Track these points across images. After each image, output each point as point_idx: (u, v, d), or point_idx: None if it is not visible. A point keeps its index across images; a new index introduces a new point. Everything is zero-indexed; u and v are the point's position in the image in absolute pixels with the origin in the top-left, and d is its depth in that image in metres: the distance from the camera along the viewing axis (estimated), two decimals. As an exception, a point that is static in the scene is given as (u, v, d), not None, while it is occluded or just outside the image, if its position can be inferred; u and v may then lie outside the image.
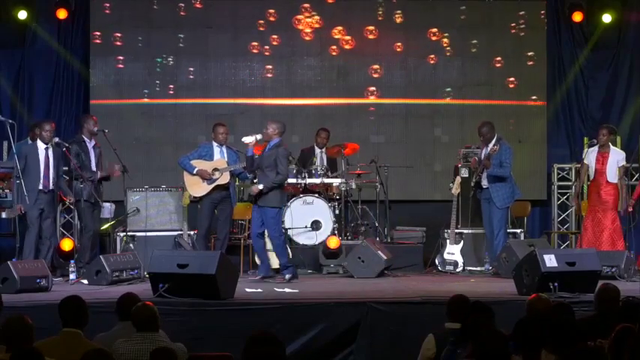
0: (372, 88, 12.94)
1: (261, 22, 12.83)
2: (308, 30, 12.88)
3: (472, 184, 10.66)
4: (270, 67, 12.86)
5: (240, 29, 12.85)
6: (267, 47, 12.85)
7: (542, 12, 13.02)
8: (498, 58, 13.00)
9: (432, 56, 12.97)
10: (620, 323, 5.02)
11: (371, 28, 12.90)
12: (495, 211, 10.44)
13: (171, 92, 12.79)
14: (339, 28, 12.89)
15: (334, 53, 12.90)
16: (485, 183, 10.48)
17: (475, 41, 12.96)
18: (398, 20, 12.94)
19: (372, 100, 12.95)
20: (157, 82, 12.80)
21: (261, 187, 9.54)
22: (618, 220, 10.41)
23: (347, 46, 12.90)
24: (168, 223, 11.07)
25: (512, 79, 13.01)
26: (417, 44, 13.00)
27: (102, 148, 10.35)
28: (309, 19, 12.88)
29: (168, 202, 11.12)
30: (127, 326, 5.61)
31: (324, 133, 11.79)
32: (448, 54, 12.98)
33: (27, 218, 9.78)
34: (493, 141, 10.46)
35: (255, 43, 12.82)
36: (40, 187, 9.85)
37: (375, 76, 12.95)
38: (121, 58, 12.71)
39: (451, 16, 12.98)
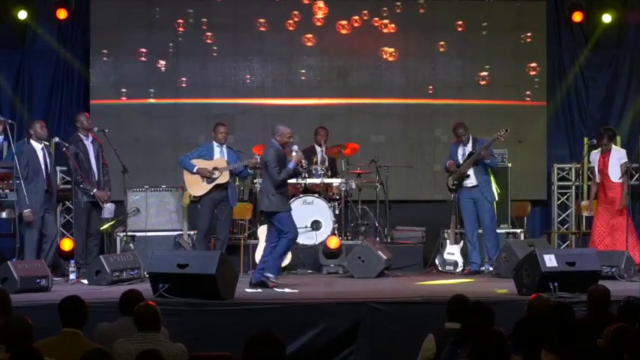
0: (391, 49, 12.91)
1: (262, 21, 12.82)
2: (319, 15, 12.84)
3: (451, 186, 10.62)
4: (310, 35, 12.85)
5: (241, 29, 12.85)
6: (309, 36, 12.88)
7: (543, 12, 13.02)
8: (498, 59, 13.00)
9: (432, 56, 12.97)
10: (614, 323, 5.03)
11: (371, 28, 12.89)
12: (488, 207, 10.47)
13: (172, 92, 12.79)
14: (339, 26, 12.90)
15: (334, 53, 12.93)
16: (473, 182, 10.48)
17: (475, 41, 12.96)
18: (398, 20, 12.92)
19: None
20: (157, 82, 12.79)
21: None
22: (630, 218, 10.43)
23: (343, 31, 12.84)
24: (168, 223, 11.08)
25: (511, 78, 13.01)
26: (417, 44, 13.00)
27: (102, 144, 10.36)
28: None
29: (168, 202, 11.13)
30: (128, 321, 5.62)
31: (323, 130, 11.78)
32: (448, 54, 12.97)
33: (31, 220, 9.77)
34: (470, 141, 10.49)
35: (309, 35, 12.81)
36: (45, 187, 9.89)
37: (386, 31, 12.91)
38: (122, 57, 12.73)
39: (451, 16, 12.97)
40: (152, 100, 12.80)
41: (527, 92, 13.02)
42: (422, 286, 9.41)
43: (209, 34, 12.79)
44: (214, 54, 12.84)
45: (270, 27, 12.83)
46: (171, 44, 12.77)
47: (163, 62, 12.77)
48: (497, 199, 10.64)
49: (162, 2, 12.83)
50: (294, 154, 9.22)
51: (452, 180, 10.61)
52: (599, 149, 10.54)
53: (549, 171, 12.95)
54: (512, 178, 11.64)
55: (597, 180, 10.61)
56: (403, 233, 11.88)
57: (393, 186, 11.95)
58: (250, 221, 11.27)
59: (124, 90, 12.74)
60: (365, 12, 12.89)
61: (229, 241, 10.65)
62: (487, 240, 10.52)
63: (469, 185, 10.52)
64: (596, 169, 10.57)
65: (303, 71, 12.95)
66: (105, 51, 12.68)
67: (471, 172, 10.47)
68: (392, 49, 12.89)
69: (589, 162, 11.06)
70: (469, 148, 10.53)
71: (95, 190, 10.02)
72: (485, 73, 12.95)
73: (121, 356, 5.12)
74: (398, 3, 12.89)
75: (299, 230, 10.90)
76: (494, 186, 10.59)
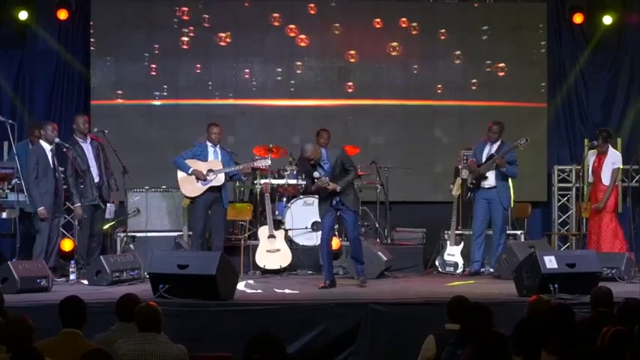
0: (395, 44, 12.93)
1: (276, 15, 12.79)
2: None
3: (469, 184, 10.64)
4: (299, 63, 12.88)
5: (241, 30, 12.85)
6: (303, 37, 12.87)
7: (543, 13, 13.02)
8: (499, 60, 13.00)
9: (433, 57, 12.98)
10: (613, 325, 5.03)
11: (371, 29, 12.90)
12: (501, 212, 10.46)
13: (172, 93, 12.79)
14: (339, 27, 12.90)
15: (336, 57, 12.94)
16: (491, 183, 10.48)
17: (475, 42, 12.97)
18: (398, 21, 12.93)
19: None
20: (158, 82, 12.79)
21: (339, 188, 9.17)
22: (616, 220, 10.44)
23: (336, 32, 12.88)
24: (168, 224, 11.09)
25: (512, 80, 13.02)
26: (418, 45, 13.00)
27: (102, 143, 10.36)
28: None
29: (168, 202, 11.15)
30: (124, 327, 5.61)
31: (325, 133, 11.73)
32: (448, 55, 12.98)
33: (40, 220, 9.77)
34: (498, 142, 10.50)
35: (303, 35, 12.83)
36: (53, 188, 9.90)
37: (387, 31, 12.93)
38: (122, 59, 12.75)
39: (451, 17, 12.98)
40: (152, 101, 12.80)
41: (528, 94, 13.02)
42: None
43: (209, 34, 12.79)
44: (214, 55, 12.84)
45: (279, 23, 12.80)
46: (171, 45, 12.76)
47: (164, 63, 12.76)
48: (512, 205, 10.64)
49: (162, 3, 12.84)
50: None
51: (470, 178, 10.63)
52: (596, 150, 10.57)
53: (550, 172, 12.95)
54: (512, 179, 11.62)
55: (590, 180, 10.63)
56: (403, 234, 11.89)
57: (393, 187, 11.95)
58: (251, 222, 11.27)
59: (124, 91, 12.74)
60: (366, 13, 12.91)
61: (230, 241, 10.65)
62: (496, 244, 10.50)
63: (486, 186, 10.52)
64: (591, 170, 10.59)
65: (304, 72, 12.95)
66: (105, 51, 12.69)
67: (490, 174, 10.47)
68: (396, 44, 12.90)
69: (587, 163, 11.06)
70: (494, 149, 10.53)
71: (77, 206, 10.03)
72: (502, 64, 12.95)
73: (122, 357, 5.12)
74: (399, 13, 12.88)
75: (299, 231, 11.02)
76: (511, 192, 10.57)
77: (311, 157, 9.08)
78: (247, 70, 12.88)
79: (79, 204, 10.07)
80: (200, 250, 10.03)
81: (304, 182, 11.22)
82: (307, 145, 9.21)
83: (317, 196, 11.06)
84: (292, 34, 12.84)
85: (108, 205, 10.21)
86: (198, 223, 10.29)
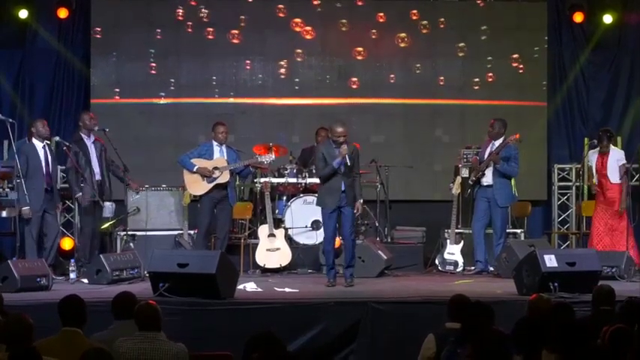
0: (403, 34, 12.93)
1: (281, 6, 12.79)
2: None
3: (470, 182, 10.66)
4: (300, 50, 12.88)
5: (242, 28, 12.83)
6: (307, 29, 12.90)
7: (543, 12, 13.02)
8: (499, 59, 13.00)
9: (433, 56, 12.98)
10: (614, 324, 5.03)
11: (371, 27, 12.90)
12: (498, 211, 10.44)
13: (172, 92, 12.79)
14: (341, 25, 12.90)
15: (335, 55, 12.94)
16: (488, 180, 10.48)
17: (476, 41, 12.97)
18: (398, 20, 12.92)
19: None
20: (158, 81, 12.78)
21: (361, 201, 9.49)
22: (627, 218, 10.47)
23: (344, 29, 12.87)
24: (168, 223, 11.08)
25: (511, 79, 13.02)
26: (418, 44, 12.99)
27: (105, 145, 10.36)
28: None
29: (168, 201, 11.14)
30: (122, 325, 5.61)
31: (324, 132, 11.71)
32: (449, 54, 12.97)
33: (29, 218, 9.78)
34: (500, 139, 10.50)
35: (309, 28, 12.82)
36: (44, 186, 9.89)
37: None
38: (122, 57, 12.75)
39: (452, 16, 12.97)
40: (153, 100, 12.80)
41: (528, 92, 13.02)
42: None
43: (210, 33, 12.78)
44: (215, 53, 12.84)
45: (284, 14, 12.80)
46: (172, 43, 12.76)
47: (164, 61, 12.76)
48: (511, 203, 10.62)
49: (162, 2, 12.83)
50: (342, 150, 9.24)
51: (472, 175, 10.65)
52: (597, 149, 10.58)
53: (550, 171, 12.95)
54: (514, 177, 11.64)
55: (595, 180, 10.63)
56: (403, 233, 11.89)
57: (393, 186, 11.95)
58: (251, 221, 11.27)
59: (124, 89, 12.73)
60: (368, 12, 12.91)
61: (230, 240, 10.65)
62: (495, 243, 10.49)
63: (484, 184, 10.53)
64: (594, 169, 10.61)
65: (305, 71, 12.95)
66: (105, 50, 12.69)
67: (488, 171, 10.48)
68: (404, 34, 12.89)
69: (588, 162, 11.07)
70: (496, 146, 10.55)
71: (78, 195, 10.03)
72: (516, 55, 12.95)
73: (122, 355, 5.12)
74: (398, 12, 12.88)
75: (299, 230, 11.01)
76: (512, 190, 10.54)
77: (344, 133, 9.23)
78: (248, 69, 12.88)
79: (80, 194, 10.06)
80: (204, 249, 10.04)
81: (304, 181, 11.25)
82: (340, 124, 9.33)
83: (316, 195, 11.13)
84: (298, 29, 12.82)
85: (106, 203, 10.20)
86: (204, 221, 10.30)
